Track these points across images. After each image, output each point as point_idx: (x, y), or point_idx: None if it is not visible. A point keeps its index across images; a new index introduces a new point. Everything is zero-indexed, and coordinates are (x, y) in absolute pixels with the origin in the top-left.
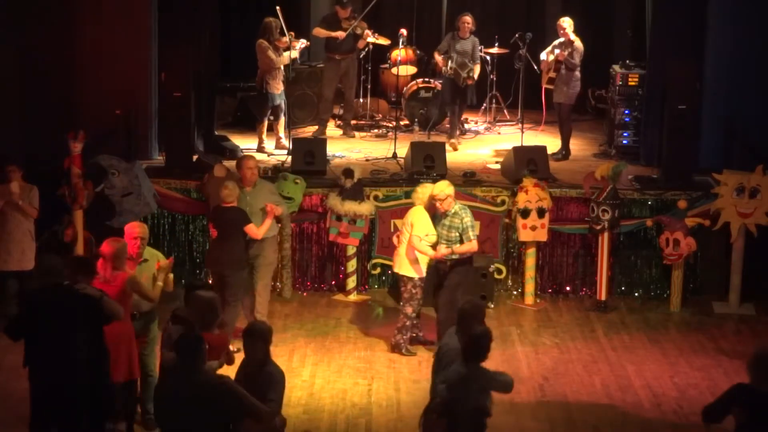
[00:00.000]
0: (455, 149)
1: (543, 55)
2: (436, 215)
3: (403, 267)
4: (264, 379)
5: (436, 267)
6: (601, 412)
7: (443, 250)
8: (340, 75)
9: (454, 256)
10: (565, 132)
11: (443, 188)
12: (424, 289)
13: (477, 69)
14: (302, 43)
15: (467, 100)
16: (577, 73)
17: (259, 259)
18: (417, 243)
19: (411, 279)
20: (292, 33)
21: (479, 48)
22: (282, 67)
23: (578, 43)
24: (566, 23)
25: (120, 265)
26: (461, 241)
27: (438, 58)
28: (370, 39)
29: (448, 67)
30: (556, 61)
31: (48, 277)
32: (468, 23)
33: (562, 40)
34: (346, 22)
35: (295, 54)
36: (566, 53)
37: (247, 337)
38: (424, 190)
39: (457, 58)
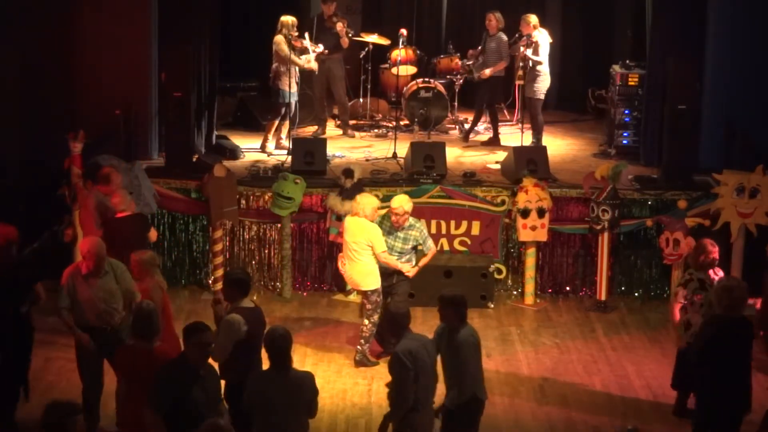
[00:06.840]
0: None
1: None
2: (389, 229)
3: (368, 281)
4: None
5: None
6: (601, 412)
7: (410, 269)
8: (326, 75)
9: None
10: (536, 126)
11: (402, 203)
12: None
13: (488, 71)
14: (319, 48)
15: (498, 99)
16: (543, 68)
17: None
18: (387, 258)
19: (375, 290)
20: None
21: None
22: (297, 69)
23: (541, 37)
24: (530, 20)
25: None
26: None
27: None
28: (366, 39)
29: (474, 75)
30: (520, 59)
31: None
32: (490, 20)
33: (524, 36)
34: (330, 21)
35: (311, 59)
36: (527, 51)
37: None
38: (369, 200)
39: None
